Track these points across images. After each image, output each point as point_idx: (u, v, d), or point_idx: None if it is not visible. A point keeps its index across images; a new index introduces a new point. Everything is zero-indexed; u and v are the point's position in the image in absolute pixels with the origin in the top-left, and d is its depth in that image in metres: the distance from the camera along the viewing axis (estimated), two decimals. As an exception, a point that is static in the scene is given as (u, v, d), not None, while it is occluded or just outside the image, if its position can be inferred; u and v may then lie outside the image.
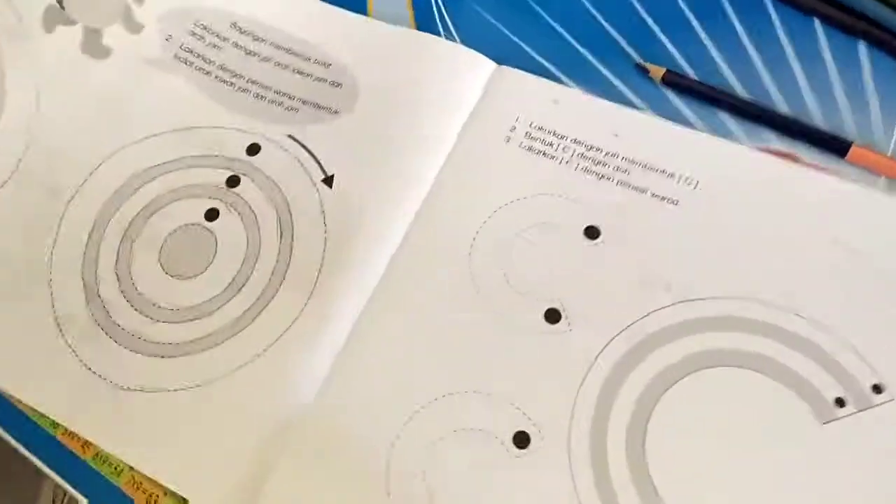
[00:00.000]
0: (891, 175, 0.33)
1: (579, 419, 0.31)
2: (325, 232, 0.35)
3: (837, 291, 0.31)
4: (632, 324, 0.32)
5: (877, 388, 0.30)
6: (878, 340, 0.30)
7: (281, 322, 0.33)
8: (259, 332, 0.33)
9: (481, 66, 0.37)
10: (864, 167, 0.33)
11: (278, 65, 0.39)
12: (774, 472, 0.29)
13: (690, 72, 0.36)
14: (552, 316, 0.33)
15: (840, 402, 0.30)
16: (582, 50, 0.38)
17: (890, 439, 0.29)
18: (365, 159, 0.36)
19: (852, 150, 0.33)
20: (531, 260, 0.34)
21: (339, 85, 0.38)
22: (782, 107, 0.35)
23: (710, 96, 0.35)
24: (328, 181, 0.36)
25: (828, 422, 0.30)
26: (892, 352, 0.30)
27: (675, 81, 0.36)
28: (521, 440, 0.31)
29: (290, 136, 0.37)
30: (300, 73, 0.38)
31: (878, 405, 0.30)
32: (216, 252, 0.35)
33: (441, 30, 0.39)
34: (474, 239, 0.34)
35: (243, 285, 0.34)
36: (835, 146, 0.33)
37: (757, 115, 0.35)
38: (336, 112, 0.37)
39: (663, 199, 0.34)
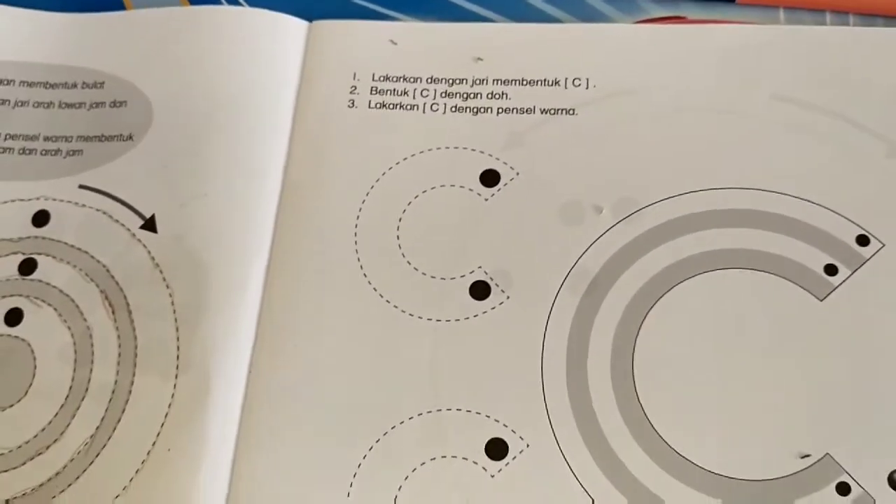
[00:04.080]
0: (788, 3, 0.29)
1: (556, 401, 0.25)
2: (169, 289, 0.27)
3: (792, 152, 0.27)
4: (573, 266, 0.26)
5: (862, 240, 0.25)
6: (846, 188, 0.26)
7: (150, 421, 0.26)
8: (126, 444, 0.25)
9: (291, 28, 0.31)
10: (758, 4, 0.29)
11: (39, 105, 0.30)
12: (780, 372, 0.24)
13: (533, -39, 0.31)
14: (480, 290, 0.26)
15: (831, 270, 0.25)
16: (402, -25, 0.31)
17: (892, 285, 0.25)
18: (187, 181, 0.28)
19: (741, -12, 0.28)
20: (433, 234, 0.27)
21: (122, 104, 0.30)
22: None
23: (565, -20, 0.30)
24: (150, 226, 0.28)
25: (826, 296, 0.25)
26: (865, 197, 0.26)
27: (520, -25, 0.30)
28: (498, 451, 0.24)
29: (83, 187, 0.29)
30: (69, 105, 0.30)
31: (869, 258, 0.25)
32: (36, 363, 0.27)
33: (224, -1, 0.31)
34: (356, 232, 0.27)
35: (86, 391, 0.26)
36: (721, -9, 0.29)
37: (624, -16, 0.29)
38: (130, 137, 0.29)
39: (556, 112, 0.28)
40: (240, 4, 0.31)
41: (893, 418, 0.23)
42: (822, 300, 0.25)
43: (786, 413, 0.24)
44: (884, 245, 0.25)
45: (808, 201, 0.26)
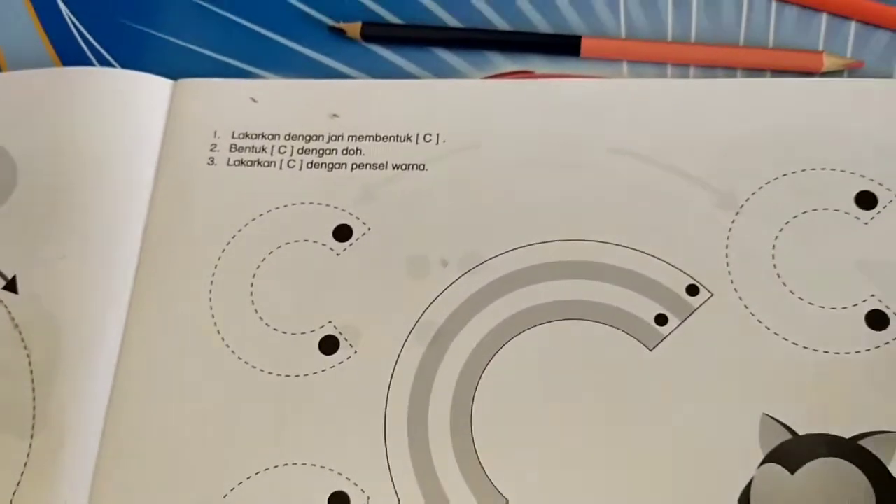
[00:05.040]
0: (630, 57, 0.30)
1: (397, 453, 0.25)
2: (27, 349, 0.28)
3: (626, 204, 0.28)
4: (419, 319, 0.27)
5: (692, 290, 0.26)
6: (677, 238, 0.27)
7: (6, 480, 0.26)
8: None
9: (155, 87, 0.31)
10: (602, 58, 0.30)
11: None
12: (608, 420, 0.25)
13: (392, 18, 0.31)
14: (329, 345, 0.27)
15: (662, 320, 0.26)
16: (267, 33, 0.32)
17: (718, 335, 0.26)
18: (47, 242, 0.29)
19: (583, 44, 0.29)
20: (286, 290, 0.28)
21: (-13, 167, 0.30)
22: (501, 24, 0.31)
23: (418, 38, 0.31)
24: (11, 286, 0.28)
25: (655, 346, 0.26)
26: (695, 247, 0.27)
27: (375, 34, 0.31)
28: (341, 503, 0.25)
29: (-54, 251, 0.29)
30: (-63, 170, 0.31)
31: (697, 308, 0.26)
32: None
33: (94, 59, 0.32)
34: (211, 289, 0.28)
35: (-54, 452, 0.27)
36: (565, 47, 0.30)
37: (473, 41, 0.31)
38: (-6, 200, 0.30)
39: (408, 167, 0.29)
40: (111, 65, 0.32)
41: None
42: (651, 350, 0.26)
43: (610, 461, 0.25)
44: (712, 294, 0.26)
45: (642, 252, 0.27)
